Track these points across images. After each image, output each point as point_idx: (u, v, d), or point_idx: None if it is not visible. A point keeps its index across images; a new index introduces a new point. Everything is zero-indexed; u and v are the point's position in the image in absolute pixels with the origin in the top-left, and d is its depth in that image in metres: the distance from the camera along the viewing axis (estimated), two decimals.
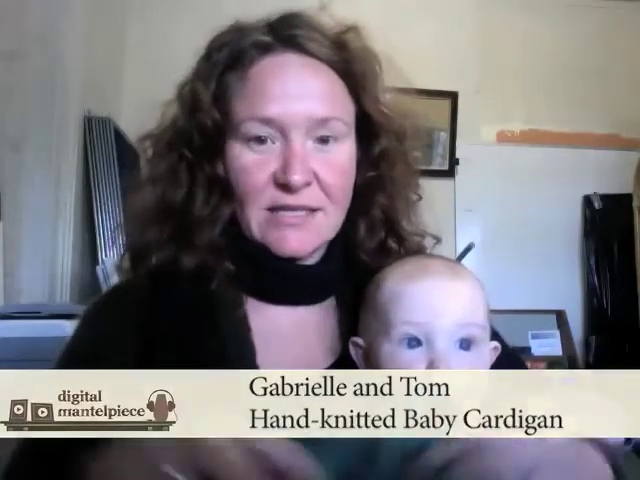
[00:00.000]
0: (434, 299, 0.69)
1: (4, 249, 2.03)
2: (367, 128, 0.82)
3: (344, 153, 0.79)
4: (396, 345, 0.68)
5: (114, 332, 0.79)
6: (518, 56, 3.23)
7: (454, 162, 3.16)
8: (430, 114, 2.95)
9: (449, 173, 3.16)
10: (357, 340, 0.73)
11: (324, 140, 0.77)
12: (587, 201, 3.24)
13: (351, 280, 0.82)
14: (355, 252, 0.84)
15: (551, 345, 3.04)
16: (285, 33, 0.78)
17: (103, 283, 2.14)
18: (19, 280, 2.09)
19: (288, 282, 0.81)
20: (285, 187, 0.75)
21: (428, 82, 2.77)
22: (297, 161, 0.74)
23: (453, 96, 3.14)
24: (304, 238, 0.78)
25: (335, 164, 0.78)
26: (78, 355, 0.79)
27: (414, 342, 0.68)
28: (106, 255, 2.29)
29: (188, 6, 2.91)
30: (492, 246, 3.08)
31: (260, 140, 0.76)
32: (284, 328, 0.82)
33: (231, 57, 0.78)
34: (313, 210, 0.78)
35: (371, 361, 0.71)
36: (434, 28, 3.15)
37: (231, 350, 0.76)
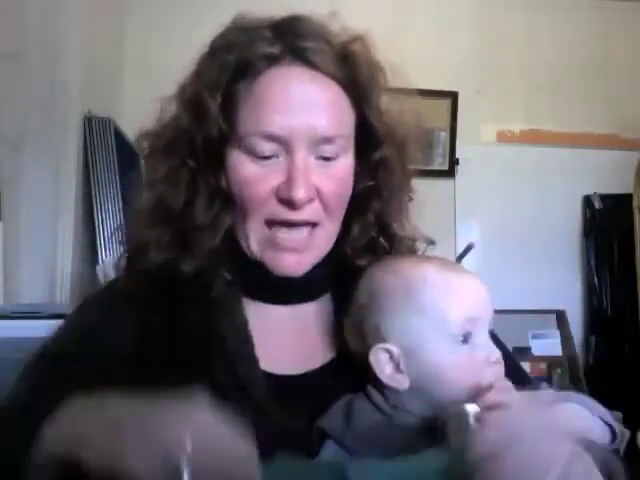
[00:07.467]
0: (480, 293, 0.72)
1: (4, 249, 2.02)
2: (367, 137, 0.82)
3: (344, 166, 0.80)
4: (455, 343, 0.68)
5: (103, 329, 0.79)
6: (518, 56, 3.23)
7: (454, 162, 3.16)
8: (430, 114, 2.94)
9: (449, 173, 3.15)
10: (388, 347, 0.69)
11: (326, 158, 0.77)
12: (587, 201, 3.24)
13: (343, 275, 0.83)
14: (345, 249, 0.84)
15: (551, 345, 3.04)
16: (292, 44, 0.77)
17: (103, 283, 2.14)
18: (19, 280, 2.09)
19: (285, 287, 0.82)
20: (288, 203, 0.75)
21: (428, 82, 2.76)
22: (301, 178, 0.74)
23: (453, 96, 3.14)
24: (302, 259, 0.79)
25: (335, 177, 0.78)
26: (63, 349, 0.80)
27: (469, 337, 0.69)
28: (106, 255, 2.28)
29: (187, 6, 2.91)
30: (492, 246, 3.08)
31: (264, 155, 0.76)
32: (283, 326, 0.82)
33: (237, 67, 0.77)
34: (311, 225, 0.78)
35: (417, 365, 0.69)
36: (434, 28, 3.15)
37: (233, 353, 0.76)
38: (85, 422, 0.57)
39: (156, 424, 0.52)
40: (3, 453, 0.66)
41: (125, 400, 0.57)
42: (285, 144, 0.75)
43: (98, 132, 2.38)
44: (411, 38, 2.92)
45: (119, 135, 2.45)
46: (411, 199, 0.88)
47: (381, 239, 0.85)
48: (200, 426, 0.52)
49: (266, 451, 0.69)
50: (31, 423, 0.63)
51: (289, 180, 0.75)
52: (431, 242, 0.87)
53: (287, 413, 0.72)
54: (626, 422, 0.73)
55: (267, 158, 0.76)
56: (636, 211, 2.91)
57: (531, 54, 3.24)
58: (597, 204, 3.21)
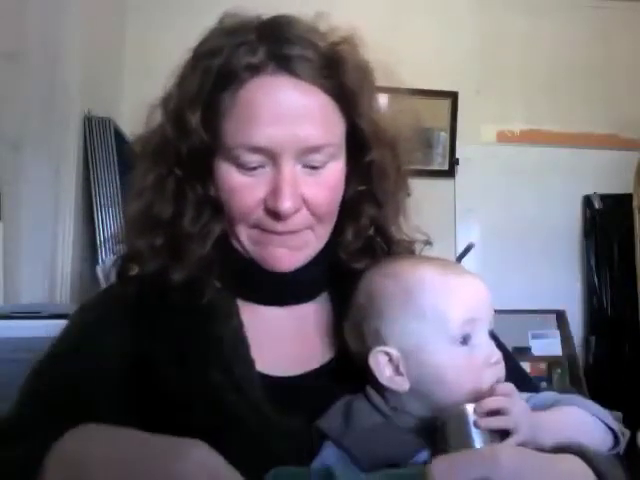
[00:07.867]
0: (479, 293, 0.71)
1: (4, 249, 2.02)
2: (358, 141, 0.81)
3: (334, 172, 0.79)
4: (454, 344, 0.68)
5: (102, 329, 0.80)
6: (518, 56, 3.23)
7: (454, 162, 3.16)
8: (430, 114, 2.95)
9: (449, 173, 3.15)
10: (388, 349, 0.69)
11: (314, 166, 0.77)
12: (587, 201, 3.24)
13: (341, 276, 0.83)
14: (339, 253, 0.84)
15: (551, 345, 3.04)
16: (277, 51, 0.75)
17: (103, 283, 2.14)
18: (19, 280, 2.09)
19: (279, 287, 0.82)
20: (274, 214, 0.75)
21: (428, 82, 2.77)
22: (287, 188, 0.74)
23: (453, 96, 3.14)
24: (294, 255, 0.79)
25: (325, 184, 0.78)
26: (63, 349, 0.80)
27: (468, 338, 0.69)
28: (106, 255, 2.28)
29: (187, 6, 2.90)
30: (492, 246, 3.08)
31: (251, 166, 0.75)
32: (281, 327, 0.82)
33: (220, 75, 0.76)
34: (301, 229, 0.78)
35: (416, 366, 0.69)
36: (434, 28, 3.15)
37: (230, 354, 0.76)
38: (90, 456, 0.57)
39: (163, 470, 0.54)
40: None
41: (132, 437, 0.57)
42: (271, 155, 0.74)
43: (98, 132, 2.38)
44: (411, 38, 2.92)
45: (119, 135, 2.45)
46: (409, 195, 0.88)
47: (379, 240, 0.85)
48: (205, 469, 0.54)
49: (264, 451, 0.69)
50: (34, 425, 0.64)
51: (275, 191, 0.74)
52: (429, 242, 0.87)
53: (284, 414, 0.71)
54: (626, 422, 0.73)
55: (254, 169, 0.75)
56: (636, 211, 2.91)
57: (531, 54, 3.24)
58: (597, 204, 3.21)
